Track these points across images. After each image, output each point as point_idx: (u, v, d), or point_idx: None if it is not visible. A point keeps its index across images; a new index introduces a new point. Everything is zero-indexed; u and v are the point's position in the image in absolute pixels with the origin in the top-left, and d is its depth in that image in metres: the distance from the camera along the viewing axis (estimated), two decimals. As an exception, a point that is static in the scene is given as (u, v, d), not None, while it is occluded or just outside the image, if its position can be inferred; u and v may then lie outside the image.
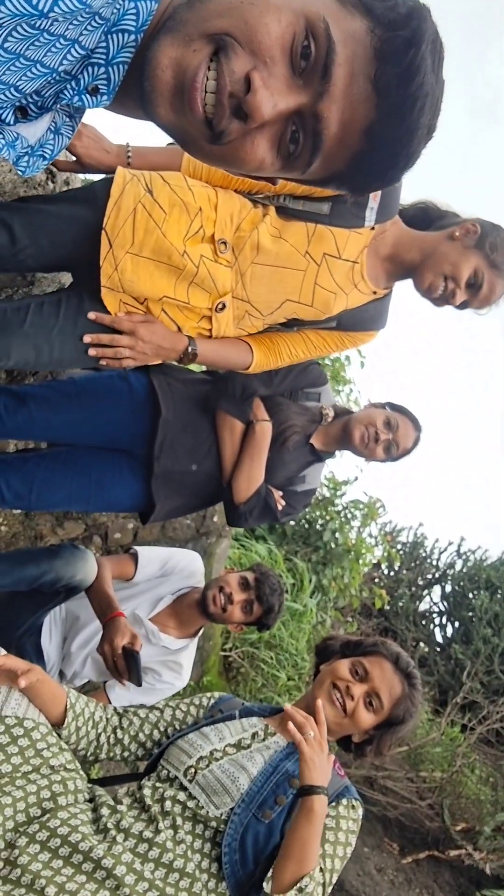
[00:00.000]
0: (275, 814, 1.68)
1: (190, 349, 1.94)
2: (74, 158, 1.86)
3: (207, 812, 1.65)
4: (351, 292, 1.99)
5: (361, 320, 2.08)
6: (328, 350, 2.14)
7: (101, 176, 1.94)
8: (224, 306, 1.90)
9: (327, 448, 2.57)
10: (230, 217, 1.83)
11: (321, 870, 1.63)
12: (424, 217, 2.11)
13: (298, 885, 1.56)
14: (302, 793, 1.62)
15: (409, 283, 2.07)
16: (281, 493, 2.48)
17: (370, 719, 1.91)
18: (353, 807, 1.79)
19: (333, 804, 1.76)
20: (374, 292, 2.05)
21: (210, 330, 1.95)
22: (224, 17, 0.80)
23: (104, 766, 3.38)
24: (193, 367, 2.19)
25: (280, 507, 2.45)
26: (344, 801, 1.78)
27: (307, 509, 6.64)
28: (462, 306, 2.04)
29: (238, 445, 2.33)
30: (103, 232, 1.72)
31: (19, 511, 3.42)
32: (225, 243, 1.83)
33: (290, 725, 1.65)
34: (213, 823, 1.64)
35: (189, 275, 1.80)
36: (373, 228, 1.95)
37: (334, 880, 1.69)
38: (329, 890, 1.67)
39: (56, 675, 2.76)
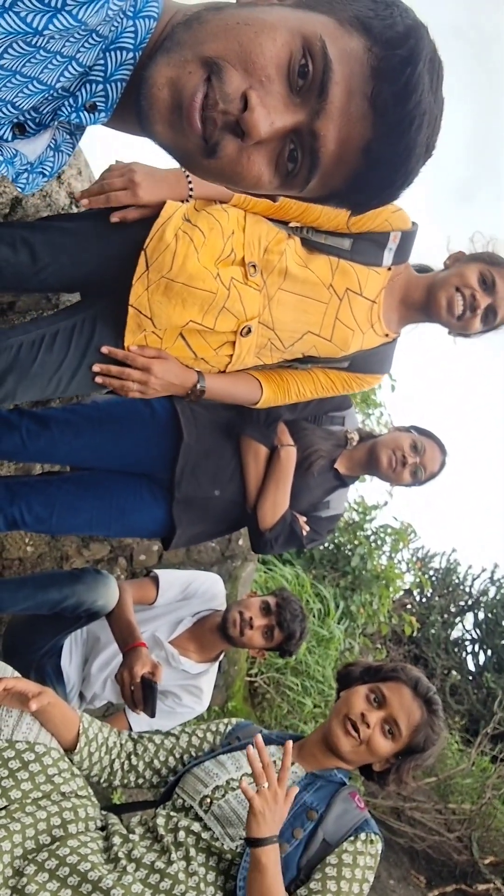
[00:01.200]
0: (291, 847, 1.64)
1: (199, 386, 1.93)
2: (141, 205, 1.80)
3: (222, 844, 1.61)
4: (367, 332, 2.00)
5: (371, 363, 2.10)
6: (334, 391, 2.13)
7: None
8: (250, 330, 1.89)
9: (352, 472, 2.55)
10: (258, 239, 1.84)
11: None
12: (426, 271, 2.14)
13: None
14: (249, 844, 1.55)
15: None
16: (305, 518, 2.46)
17: (388, 747, 1.86)
18: (371, 841, 1.73)
19: (352, 838, 1.71)
20: (387, 335, 2.06)
21: (231, 356, 1.94)
22: (219, 40, 0.80)
23: (126, 792, 3.35)
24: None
25: (305, 533, 2.42)
26: (362, 836, 1.72)
27: (332, 535, 6.60)
28: (491, 315, 2.03)
29: (263, 471, 2.32)
30: (143, 252, 1.71)
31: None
32: (255, 266, 1.83)
33: (243, 784, 1.57)
34: (228, 856, 1.60)
35: (221, 299, 1.79)
36: (389, 269, 1.98)
37: None
38: None
39: (76, 696, 2.75)
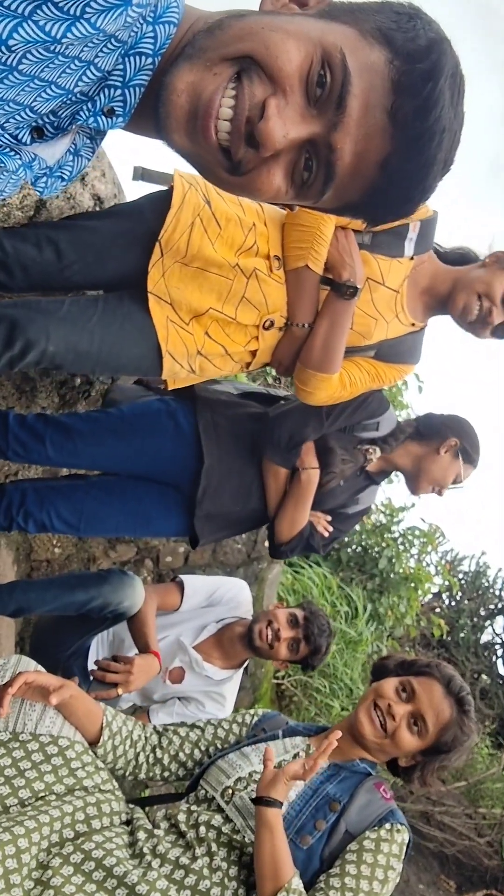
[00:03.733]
0: (314, 839, 1.63)
1: None
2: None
3: (244, 837, 1.61)
4: (392, 321, 2.00)
5: (399, 352, 2.08)
6: (380, 380, 2.12)
7: (151, 189, 1.94)
8: (272, 324, 1.89)
9: (382, 471, 2.54)
10: (277, 230, 1.84)
11: (351, 890, 1.56)
12: (462, 260, 2.12)
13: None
14: (257, 802, 1.58)
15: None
16: (329, 518, 2.46)
17: (413, 742, 1.83)
18: (397, 830, 1.70)
19: (375, 827, 1.69)
20: (413, 324, 2.06)
21: (255, 351, 1.94)
22: (246, 41, 0.80)
23: (152, 788, 3.36)
24: (242, 377, 2.19)
25: (327, 535, 2.43)
26: (387, 825, 1.69)
27: (360, 534, 6.57)
28: (501, 330, 2.02)
29: (282, 490, 2.32)
30: (157, 243, 1.71)
31: (73, 533, 3.46)
32: (279, 259, 1.83)
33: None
34: (250, 849, 1.60)
35: (239, 287, 1.79)
36: (412, 259, 1.97)
37: None
38: None
39: (101, 697, 2.77)
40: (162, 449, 2.28)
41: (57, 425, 2.23)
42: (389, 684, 1.88)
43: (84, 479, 2.49)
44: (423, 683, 1.87)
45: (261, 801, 1.57)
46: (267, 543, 2.54)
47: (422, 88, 0.79)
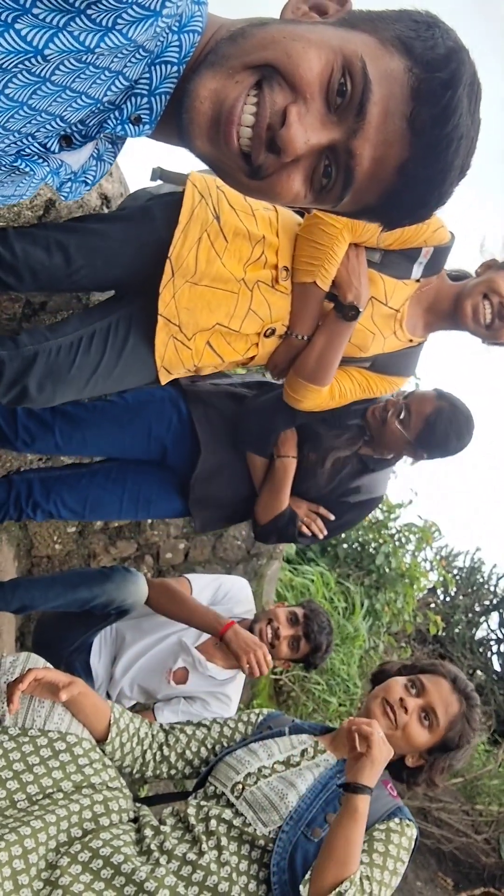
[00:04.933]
0: (324, 832, 1.63)
1: None
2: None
3: (255, 830, 1.62)
4: (389, 337, 2.05)
5: (394, 364, 2.13)
6: (370, 391, 2.16)
7: (154, 184, 1.95)
8: (273, 332, 1.93)
9: (375, 455, 2.51)
10: (290, 241, 1.86)
11: (367, 878, 1.56)
12: (461, 278, 2.15)
13: (338, 889, 1.50)
14: (349, 789, 1.57)
15: None
16: (324, 509, 2.50)
17: (424, 736, 1.86)
18: (406, 825, 1.72)
19: (385, 820, 1.70)
20: (410, 340, 2.10)
21: (254, 357, 1.99)
22: (268, 50, 0.81)
23: (153, 787, 3.38)
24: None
25: (321, 536, 2.49)
26: (395, 820, 1.71)
27: (358, 531, 6.59)
28: None
29: (260, 476, 2.40)
30: (168, 261, 1.73)
31: (73, 530, 3.47)
32: (287, 269, 1.86)
33: (354, 732, 1.61)
34: (261, 842, 1.61)
35: (245, 301, 1.82)
36: (417, 281, 2.01)
37: (385, 895, 1.61)
38: None
39: (103, 695, 2.78)
40: (165, 436, 2.35)
41: (64, 415, 2.27)
42: (398, 682, 1.91)
43: (86, 466, 2.54)
44: (430, 679, 1.90)
45: (349, 787, 1.58)
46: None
47: (441, 97, 0.80)
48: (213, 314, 1.82)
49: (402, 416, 2.26)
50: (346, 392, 2.12)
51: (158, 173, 1.97)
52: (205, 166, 0.91)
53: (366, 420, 2.36)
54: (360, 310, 1.90)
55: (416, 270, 1.97)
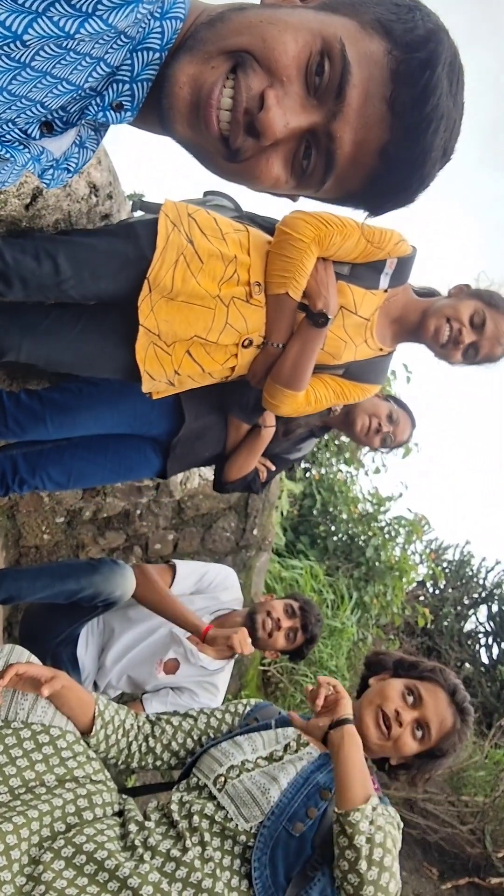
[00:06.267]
0: (306, 826, 1.64)
1: None
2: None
3: (236, 825, 1.61)
4: (360, 345, 2.16)
5: (366, 372, 2.25)
6: (344, 398, 2.27)
7: (137, 215, 1.99)
8: (250, 342, 2.01)
9: (323, 426, 2.78)
10: (261, 258, 1.95)
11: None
12: (430, 295, 2.28)
13: (371, 802, 1.57)
14: (336, 726, 1.69)
15: None
16: (270, 462, 2.75)
17: (414, 747, 1.84)
18: (388, 808, 1.71)
19: None
20: (381, 349, 2.22)
21: (233, 368, 2.06)
22: (243, 35, 0.81)
23: (140, 776, 3.38)
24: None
25: (264, 476, 2.72)
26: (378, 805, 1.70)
27: (347, 523, 6.60)
28: (472, 352, 2.15)
29: (240, 439, 2.54)
30: (147, 280, 1.80)
31: (62, 520, 3.47)
32: (259, 284, 1.95)
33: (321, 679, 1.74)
34: (242, 838, 1.60)
35: (221, 316, 1.90)
36: (385, 291, 2.12)
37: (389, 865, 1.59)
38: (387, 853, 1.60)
39: (90, 685, 2.78)
40: (149, 413, 2.42)
41: (53, 405, 2.31)
42: (396, 688, 1.88)
43: (67, 440, 2.57)
44: (429, 690, 1.87)
45: (335, 724, 1.69)
46: (262, 525, 2.72)
47: (419, 77, 0.80)
48: (191, 327, 1.90)
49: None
50: (322, 398, 2.23)
51: (139, 205, 2.04)
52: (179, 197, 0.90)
53: (353, 420, 2.64)
54: (330, 317, 2.01)
55: (384, 281, 2.09)
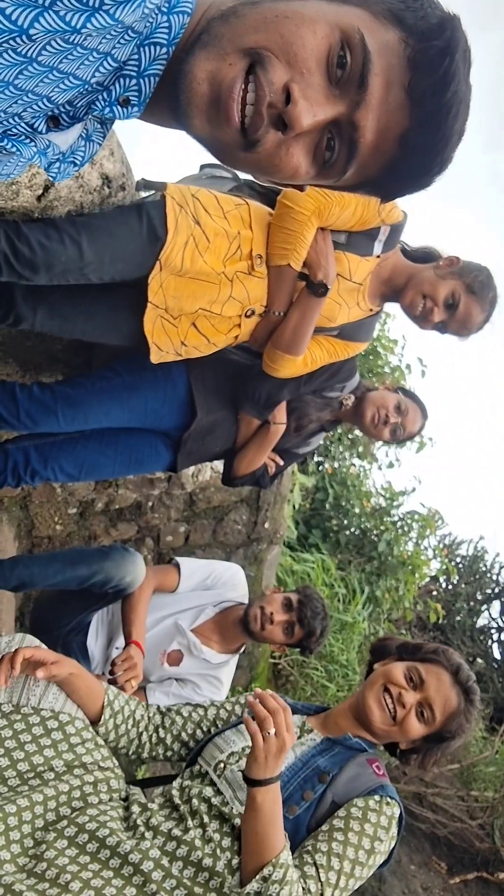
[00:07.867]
0: (301, 809, 1.65)
1: None
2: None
3: (231, 809, 1.63)
4: (353, 308, 2.29)
5: (357, 332, 2.38)
6: (337, 356, 2.39)
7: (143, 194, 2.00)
8: (253, 312, 2.09)
9: (334, 421, 2.79)
10: (262, 230, 2.01)
11: (337, 856, 1.57)
12: (426, 258, 2.36)
13: (261, 874, 1.51)
14: (246, 782, 1.57)
15: None
16: (279, 456, 2.74)
17: (420, 730, 1.83)
18: (387, 804, 1.70)
19: (364, 797, 1.69)
20: (371, 310, 2.34)
21: (237, 336, 2.14)
22: (260, 32, 0.81)
23: (150, 768, 3.41)
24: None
25: (272, 473, 2.73)
26: (375, 797, 1.70)
27: (360, 517, 6.60)
28: (441, 327, 2.26)
29: (250, 434, 2.56)
30: (158, 261, 1.85)
31: (74, 511, 3.49)
32: (261, 257, 2.02)
33: (247, 718, 1.58)
34: (237, 821, 1.61)
35: (226, 290, 1.97)
36: (378, 257, 2.22)
37: (359, 873, 1.61)
38: (353, 882, 1.60)
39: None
40: (160, 408, 2.44)
41: (66, 398, 2.33)
42: (398, 670, 1.87)
43: (79, 432, 2.57)
44: (430, 671, 1.86)
45: (245, 779, 1.58)
46: (273, 518, 2.74)
47: (438, 65, 0.81)
48: (197, 301, 1.96)
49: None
50: (317, 359, 2.34)
51: (143, 184, 2.05)
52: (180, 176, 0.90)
53: (362, 412, 2.66)
54: (329, 287, 2.10)
55: (377, 248, 2.19)
